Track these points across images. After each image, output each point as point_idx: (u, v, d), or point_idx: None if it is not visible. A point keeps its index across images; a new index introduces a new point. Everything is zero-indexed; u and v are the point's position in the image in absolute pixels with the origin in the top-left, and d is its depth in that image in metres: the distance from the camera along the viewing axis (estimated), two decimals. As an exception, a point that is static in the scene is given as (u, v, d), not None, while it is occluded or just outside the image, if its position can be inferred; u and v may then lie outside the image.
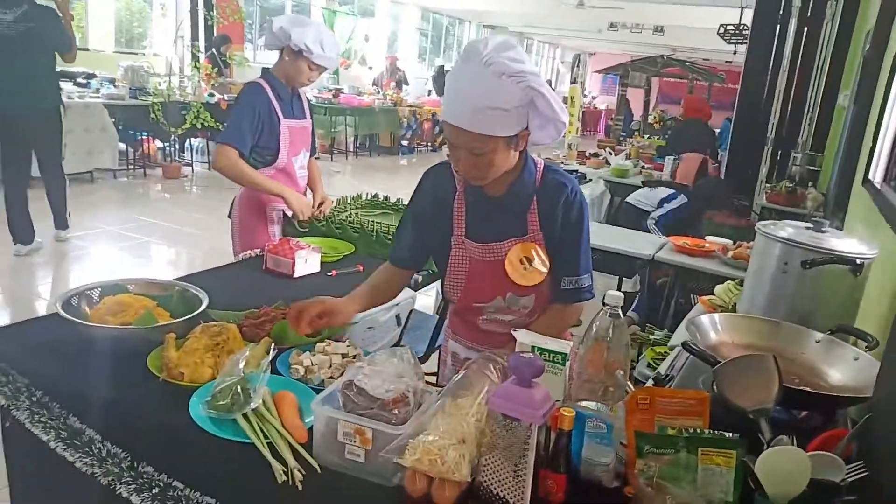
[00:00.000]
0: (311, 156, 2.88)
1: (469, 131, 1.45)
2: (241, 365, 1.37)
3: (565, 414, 1.16)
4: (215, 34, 9.73)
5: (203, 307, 1.66)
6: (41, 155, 5.11)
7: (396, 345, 2.41)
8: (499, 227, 1.66)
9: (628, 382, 1.35)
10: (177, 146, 8.84)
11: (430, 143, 13.32)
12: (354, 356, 1.58)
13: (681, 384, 1.58)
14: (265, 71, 2.67)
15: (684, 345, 1.41)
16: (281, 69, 2.65)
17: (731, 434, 1.14)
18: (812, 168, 6.07)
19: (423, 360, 2.75)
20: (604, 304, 1.33)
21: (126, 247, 5.55)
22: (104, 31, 10.04)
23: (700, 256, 3.45)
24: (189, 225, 6.34)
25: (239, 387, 1.32)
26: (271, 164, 2.65)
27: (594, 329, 1.34)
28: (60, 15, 4.81)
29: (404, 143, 12.66)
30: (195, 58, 8.94)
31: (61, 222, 5.40)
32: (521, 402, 1.13)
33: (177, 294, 1.76)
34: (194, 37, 9.79)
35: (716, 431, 1.15)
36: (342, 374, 1.51)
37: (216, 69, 8.90)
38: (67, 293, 1.65)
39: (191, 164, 8.77)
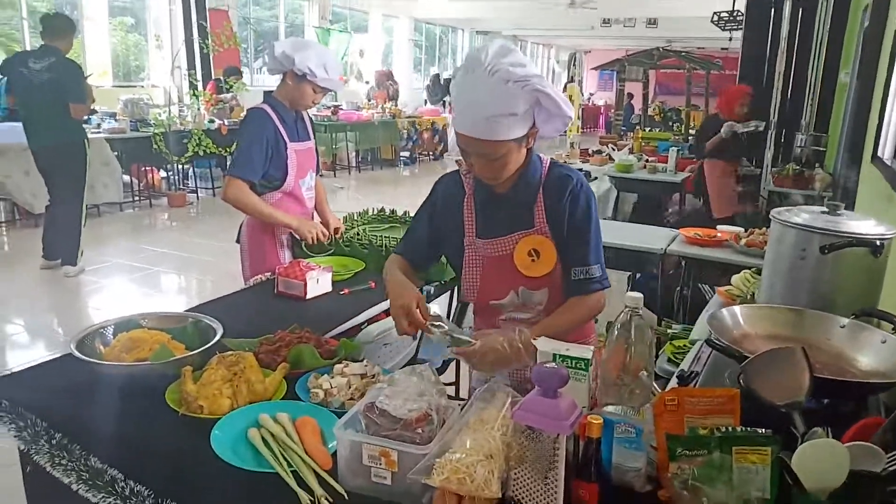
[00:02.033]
0: (316, 174, 2.87)
1: (484, 139, 1.50)
2: None
3: (593, 422, 1.13)
4: (212, 61, 9.79)
5: (217, 338, 1.65)
6: (63, 187, 5.41)
7: (413, 359, 2.39)
8: (506, 222, 1.70)
9: (654, 383, 1.33)
10: (181, 175, 8.87)
11: (431, 153, 13.32)
12: (373, 376, 1.56)
13: (706, 380, 1.55)
14: (268, 96, 2.66)
15: (708, 341, 1.39)
16: (284, 93, 2.64)
17: (764, 430, 1.11)
18: (817, 148, 6.02)
19: (441, 370, 2.74)
20: (625, 305, 1.31)
21: (137, 278, 5.56)
22: (101, 67, 10.10)
23: (712, 247, 3.41)
24: (198, 251, 6.36)
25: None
26: (279, 188, 2.64)
27: (615, 332, 1.31)
28: (84, 73, 5.40)
29: (405, 154, 12.67)
30: (193, 86, 8.97)
31: (70, 258, 5.44)
32: (547, 413, 1.10)
33: (191, 326, 1.75)
34: (191, 65, 9.84)
35: (748, 429, 1.12)
36: (362, 395, 1.49)
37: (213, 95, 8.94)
38: (80, 333, 1.64)
39: (195, 192, 8.80)
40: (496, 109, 1.46)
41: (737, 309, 1.60)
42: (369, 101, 12.97)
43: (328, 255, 2.73)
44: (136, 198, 8.24)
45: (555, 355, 1.36)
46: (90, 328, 1.67)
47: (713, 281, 3.66)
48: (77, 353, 1.54)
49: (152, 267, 5.83)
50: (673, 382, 1.61)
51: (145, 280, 5.54)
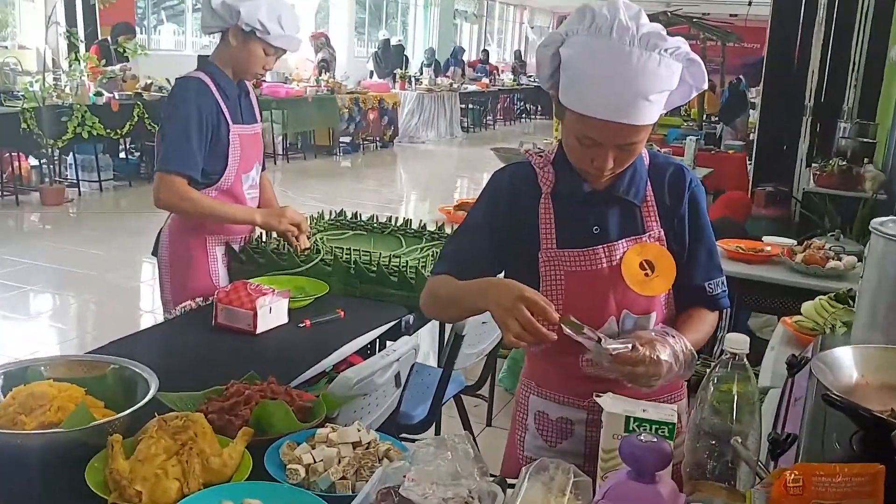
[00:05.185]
0: (262, 169, 2.75)
1: (633, 125, 1.43)
2: None
3: (698, 513, 1.04)
4: (98, 17, 9.50)
5: (152, 392, 1.51)
6: None
7: (397, 409, 2.28)
8: (605, 227, 1.60)
9: (757, 458, 1.25)
10: (57, 163, 8.56)
11: (378, 138, 13.20)
12: (369, 444, 1.44)
13: (810, 444, 1.48)
14: (204, 61, 2.51)
15: (826, 398, 1.31)
16: (226, 58, 2.51)
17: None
18: (865, 140, 6.11)
19: (427, 424, 2.64)
20: (723, 350, 1.22)
21: (2, 300, 5.30)
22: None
23: (759, 263, 3.40)
24: (80, 264, 6.14)
25: None
26: (214, 184, 2.49)
27: (711, 386, 1.23)
28: None
29: (346, 139, 12.52)
30: (74, 48, 8.68)
31: None
32: (644, 502, 1.01)
33: (111, 374, 1.60)
34: (71, 22, 9.52)
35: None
36: (356, 471, 1.38)
37: (104, 61, 8.65)
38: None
39: (77, 185, 8.51)
40: (651, 87, 1.40)
41: (849, 350, 1.53)
42: (320, 75, 12.67)
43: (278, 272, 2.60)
44: (0, 193, 7.93)
45: (628, 418, 1.27)
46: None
47: (759, 306, 3.66)
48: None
49: (21, 285, 5.59)
50: (763, 450, 1.54)
51: (12, 303, 5.30)
